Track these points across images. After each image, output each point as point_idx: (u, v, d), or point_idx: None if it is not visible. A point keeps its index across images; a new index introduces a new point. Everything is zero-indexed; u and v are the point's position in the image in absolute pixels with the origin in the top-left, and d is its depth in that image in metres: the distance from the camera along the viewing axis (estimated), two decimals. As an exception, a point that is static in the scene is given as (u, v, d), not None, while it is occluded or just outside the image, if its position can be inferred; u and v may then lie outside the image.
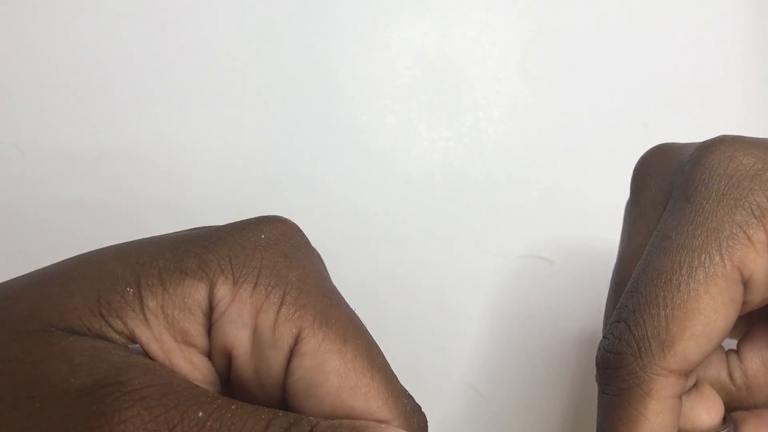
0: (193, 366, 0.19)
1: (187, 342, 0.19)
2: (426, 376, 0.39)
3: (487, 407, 0.38)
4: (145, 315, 0.18)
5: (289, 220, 0.22)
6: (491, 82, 0.42)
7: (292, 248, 0.20)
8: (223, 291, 0.19)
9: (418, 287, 0.39)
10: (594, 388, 0.23)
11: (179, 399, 0.17)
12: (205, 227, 0.21)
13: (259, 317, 0.19)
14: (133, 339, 0.19)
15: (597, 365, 0.23)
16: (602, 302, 0.26)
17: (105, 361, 0.17)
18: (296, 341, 0.19)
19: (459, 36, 0.42)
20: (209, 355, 0.20)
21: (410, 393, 0.21)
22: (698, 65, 0.44)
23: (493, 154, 0.41)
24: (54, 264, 0.20)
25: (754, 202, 0.21)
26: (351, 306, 0.21)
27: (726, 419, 0.24)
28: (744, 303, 0.22)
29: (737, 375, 0.24)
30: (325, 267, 0.23)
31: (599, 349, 0.23)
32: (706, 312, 0.21)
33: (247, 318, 0.19)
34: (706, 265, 0.21)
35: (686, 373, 0.22)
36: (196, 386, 0.18)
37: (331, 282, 0.21)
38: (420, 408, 0.21)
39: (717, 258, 0.21)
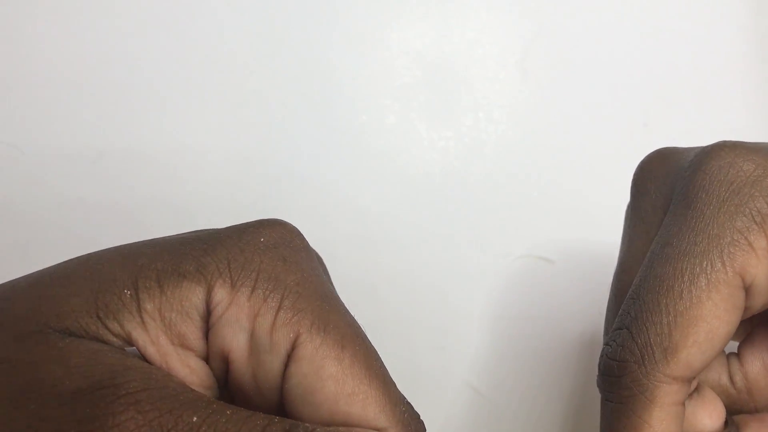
0: (190, 369, 0.19)
1: (184, 345, 0.19)
2: (426, 376, 0.38)
3: (488, 408, 0.38)
4: (142, 318, 0.18)
5: (289, 224, 0.21)
6: (491, 82, 0.42)
7: (292, 252, 0.20)
8: (220, 294, 0.19)
9: (418, 287, 0.39)
10: (595, 389, 0.23)
11: (174, 403, 0.17)
12: (205, 230, 0.21)
13: (256, 321, 0.19)
14: (129, 341, 0.18)
15: (600, 372, 0.23)
16: (603, 303, 0.26)
17: (101, 363, 0.17)
18: (293, 346, 0.19)
19: (459, 36, 0.42)
20: (206, 359, 0.20)
21: (410, 394, 0.21)
22: (698, 65, 0.43)
23: (493, 154, 0.41)
24: (52, 266, 0.20)
25: (755, 208, 0.21)
26: (351, 308, 0.21)
27: (727, 423, 0.24)
28: (745, 308, 0.22)
29: (738, 378, 0.24)
30: (325, 271, 0.23)
31: (602, 356, 0.23)
32: (708, 319, 0.21)
33: (244, 322, 0.19)
34: (708, 272, 0.21)
35: (689, 380, 0.22)
36: (192, 390, 0.18)
37: (330, 286, 0.21)
38: (418, 416, 0.21)
39: (719, 265, 0.21)
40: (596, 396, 0.23)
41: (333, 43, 0.41)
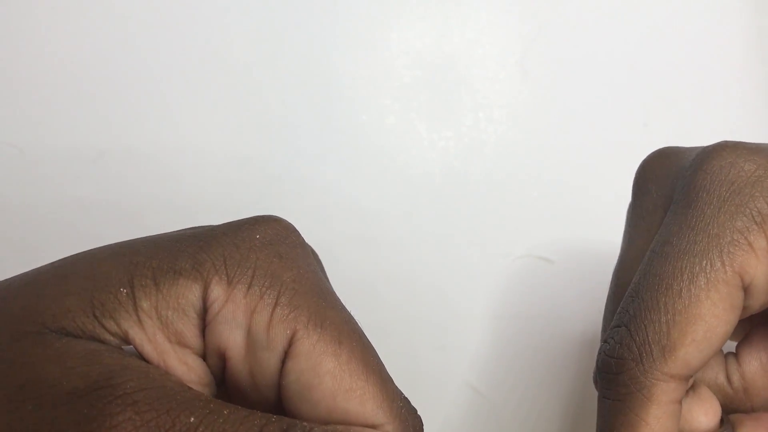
0: (187, 367, 0.19)
1: (181, 343, 0.19)
2: (426, 376, 0.38)
3: (487, 407, 0.38)
4: (138, 316, 0.18)
5: (285, 220, 0.21)
6: (491, 82, 0.42)
7: (288, 248, 0.20)
8: (217, 291, 0.19)
9: (418, 287, 0.39)
10: (594, 389, 0.23)
11: (171, 403, 0.17)
12: (201, 227, 0.21)
13: (253, 318, 0.19)
14: (126, 340, 0.18)
15: (597, 369, 0.23)
16: (603, 303, 0.26)
17: (98, 363, 0.17)
18: (290, 343, 0.19)
19: (459, 36, 0.42)
20: (204, 356, 0.20)
21: (409, 393, 0.21)
22: (698, 65, 0.43)
23: (493, 154, 0.41)
24: (48, 264, 0.20)
25: (755, 209, 0.21)
26: (350, 308, 0.21)
27: (723, 422, 0.24)
28: (744, 308, 0.22)
29: (735, 378, 0.24)
30: (321, 267, 0.23)
31: (599, 353, 0.23)
32: (707, 318, 0.21)
33: (241, 319, 0.19)
34: (708, 271, 0.21)
35: (687, 378, 0.22)
36: (190, 389, 0.17)
37: (326, 283, 0.21)
38: (416, 411, 0.21)
39: (718, 264, 0.21)
40: (596, 396, 0.23)
41: (333, 43, 0.41)
